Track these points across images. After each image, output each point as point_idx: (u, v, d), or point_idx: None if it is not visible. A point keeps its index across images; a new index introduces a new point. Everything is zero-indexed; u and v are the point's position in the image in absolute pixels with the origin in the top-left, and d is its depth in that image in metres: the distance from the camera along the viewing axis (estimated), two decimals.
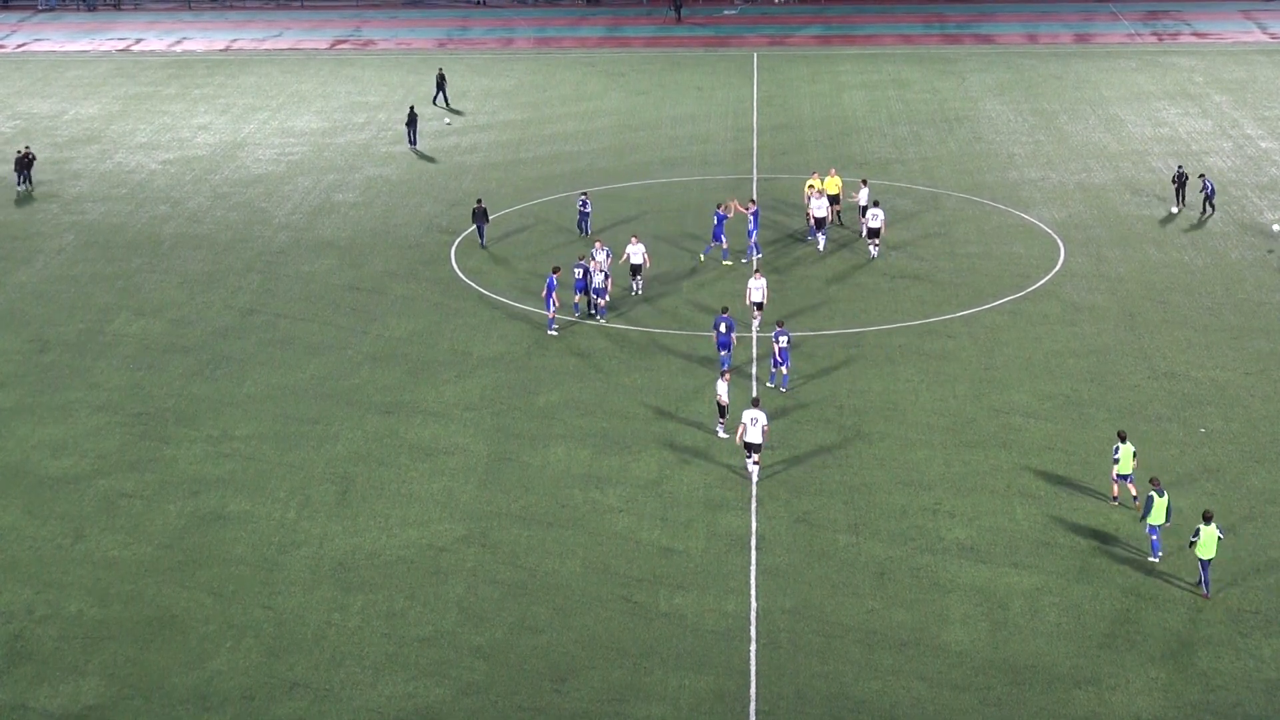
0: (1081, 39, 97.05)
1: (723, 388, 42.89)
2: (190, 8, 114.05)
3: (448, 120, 77.85)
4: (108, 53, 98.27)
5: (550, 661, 33.77)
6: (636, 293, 53.35)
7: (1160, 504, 36.47)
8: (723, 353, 46.96)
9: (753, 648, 34.10)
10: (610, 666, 33.55)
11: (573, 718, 32.06)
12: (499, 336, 50.93)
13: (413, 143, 73.25)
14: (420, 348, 50.28)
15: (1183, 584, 36.21)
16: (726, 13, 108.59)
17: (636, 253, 53.09)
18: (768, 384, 46.73)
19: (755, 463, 41.17)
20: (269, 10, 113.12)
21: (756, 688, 32.80)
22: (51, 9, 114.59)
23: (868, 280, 55.19)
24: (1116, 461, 39.25)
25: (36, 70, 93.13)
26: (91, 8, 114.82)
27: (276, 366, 49.12)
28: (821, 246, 57.66)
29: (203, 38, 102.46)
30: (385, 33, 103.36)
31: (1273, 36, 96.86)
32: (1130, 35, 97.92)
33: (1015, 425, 43.87)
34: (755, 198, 60.73)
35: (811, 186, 58.78)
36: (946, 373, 47.38)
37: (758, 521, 39.16)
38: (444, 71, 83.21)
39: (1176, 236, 59.16)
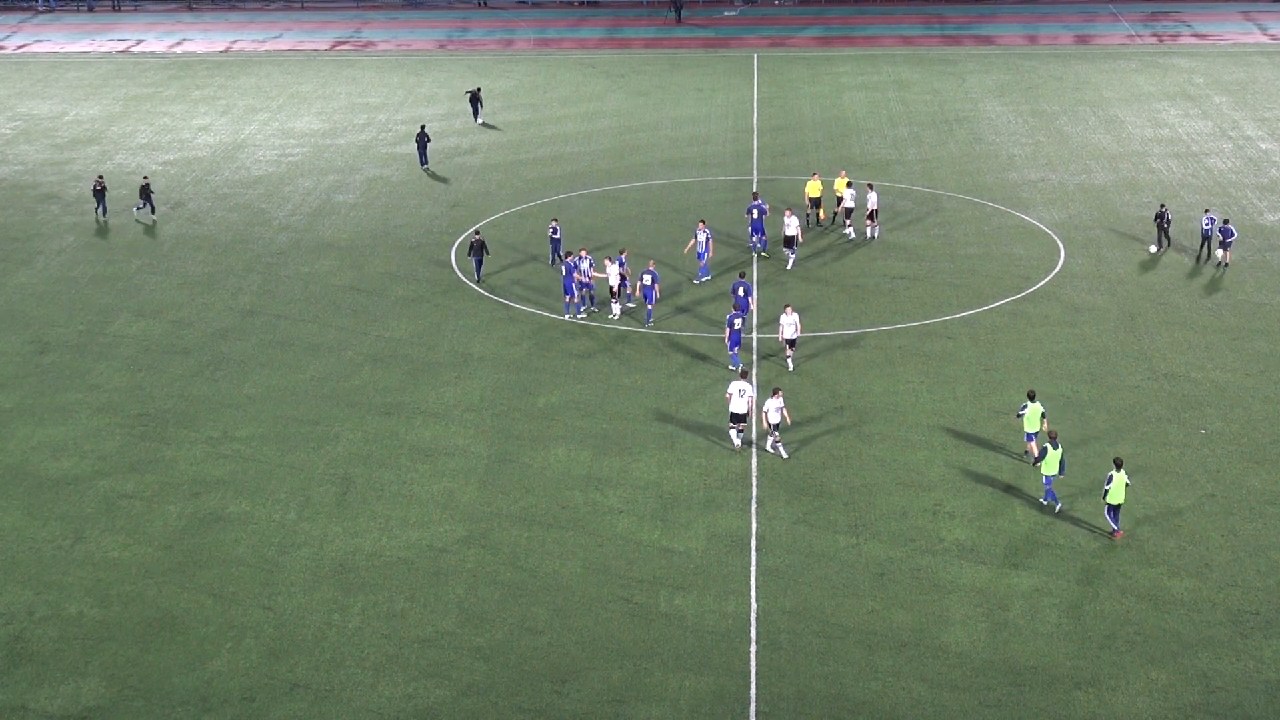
0: (1081, 40, 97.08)
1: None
2: (191, 9, 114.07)
3: (480, 121, 77.76)
4: (108, 54, 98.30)
5: (551, 662, 33.78)
6: (613, 316, 52.18)
7: (1054, 455, 38.81)
8: (740, 314, 49.05)
9: (753, 649, 34.11)
10: (610, 667, 33.57)
11: (573, 718, 32.08)
12: (499, 337, 50.95)
13: (424, 163, 70.55)
14: (420, 349, 50.30)
15: (1092, 528, 38.58)
16: (726, 14, 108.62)
17: (613, 273, 51.78)
18: (729, 366, 47.63)
19: (740, 433, 42.54)
20: (269, 11, 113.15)
21: (757, 689, 32.81)
22: (51, 10, 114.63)
23: (868, 281, 55.20)
24: (1020, 417, 41.76)
25: (37, 71, 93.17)
26: (90, 8, 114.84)
27: (277, 367, 49.14)
28: (790, 264, 56.27)
29: (203, 39, 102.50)
30: (385, 34, 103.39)
31: (1273, 37, 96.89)
32: (1130, 36, 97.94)
33: (1015, 426, 43.85)
34: (704, 218, 58.03)
35: (796, 210, 58.03)
36: (947, 374, 47.38)
37: (758, 522, 39.18)
38: (479, 89, 79.70)
39: (1177, 238, 59.13)
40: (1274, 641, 34.04)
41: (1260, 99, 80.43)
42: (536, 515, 39.75)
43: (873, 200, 58.98)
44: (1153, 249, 57.30)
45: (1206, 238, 55.94)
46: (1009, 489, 40.56)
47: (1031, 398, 41.61)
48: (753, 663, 33.63)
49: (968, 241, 59.42)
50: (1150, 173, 67.85)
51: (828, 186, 62.25)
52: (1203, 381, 46.88)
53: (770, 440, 42.12)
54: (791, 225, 56.21)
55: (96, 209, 64.18)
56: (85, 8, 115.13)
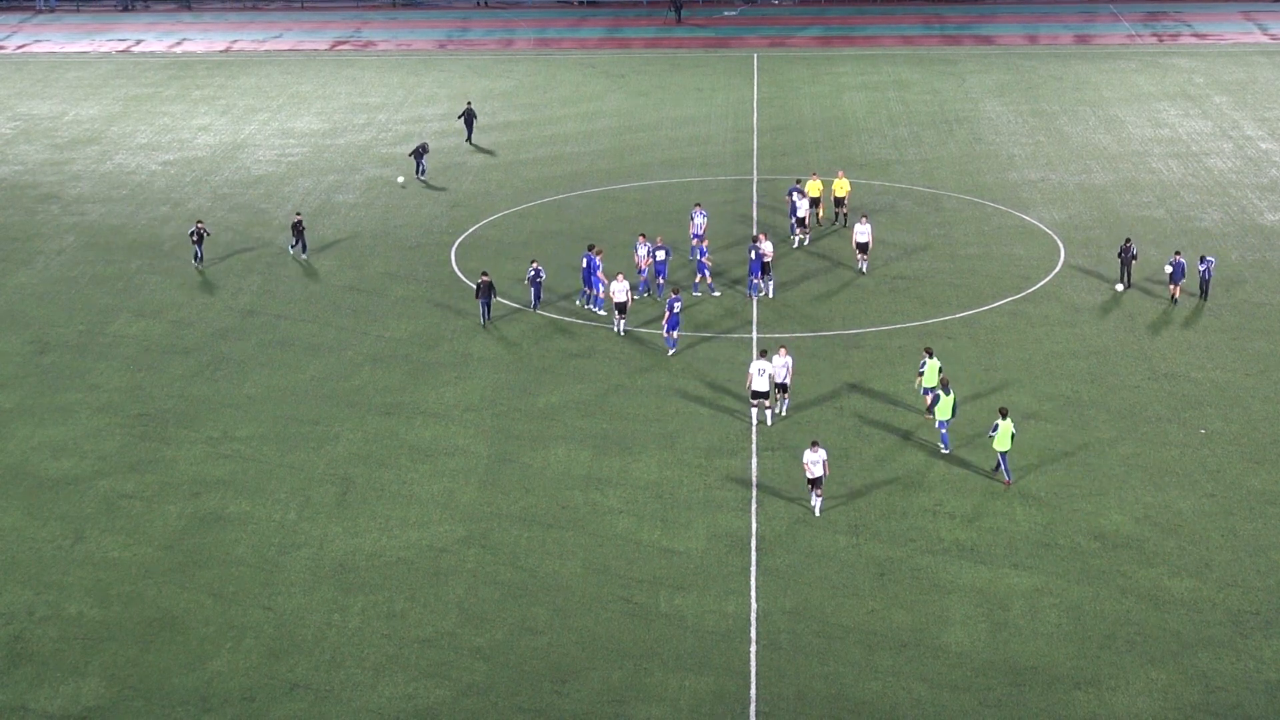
0: (1081, 40, 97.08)
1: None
2: (190, 9, 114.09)
3: (401, 180, 67.47)
4: (108, 54, 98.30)
5: (551, 662, 33.78)
6: (619, 332, 50.79)
7: (946, 401, 41.73)
8: (753, 279, 52.99)
9: (753, 649, 34.11)
10: (610, 667, 33.57)
11: (573, 718, 32.07)
12: (499, 337, 50.94)
13: (421, 174, 68.35)
14: (420, 349, 50.30)
15: (983, 472, 41.26)
16: (726, 14, 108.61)
17: (620, 289, 50.20)
18: (669, 351, 48.94)
19: (768, 408, 43.80)
20: (269, 11, 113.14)
21: (757, 689, 32.81)
22: (52, 10, 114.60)
23: (868, 282, 55.16)
24: (921, 374, 44.04)
25: (37, 71, 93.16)
26: (126, 7, 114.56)
27: (277, 367, 49.15)
28: (769, 290, 53.47)
29: (203, 39, 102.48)
30: (385, 34, 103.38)
31: (1273, 37, 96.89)
32: (1130, 36, 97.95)
33: (1015, 426, 43.84)
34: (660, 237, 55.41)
35: (771, 235, 54.97)
36: (947, 374, 47.31)
37: (758, 522, 39.17)
38: (473, 106, 76.06)
39: (1176, 238, 59.13)
40: (1274, 641, 34.04)
41: (1260, 99, 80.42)
42: (536, 515, 39.76)
43: (865, 233, 55.25)
44: (1119, 287, 53.84)
45: (1205, 281, 52.61)
46: (1010, 490, 40.59)
47: (929, 354, 44.22)
48: (753, 663, 33.63)
49: (968, 241, 59.42)
50: (1150, 173, 67.85)
51: (826, 186, 62.08)
52: (1203, 381, 46.88)
53: (814, 497, 39.35)
54: (768, 249, 53.23)
55: (194, 256, 58.02)
56: (120, 6, 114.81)
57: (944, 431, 42.19)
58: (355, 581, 36.96)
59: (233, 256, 59.38)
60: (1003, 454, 40.49)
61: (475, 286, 52.70)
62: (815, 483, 39.20)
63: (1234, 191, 64.93)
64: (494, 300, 52.03)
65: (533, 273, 52.71)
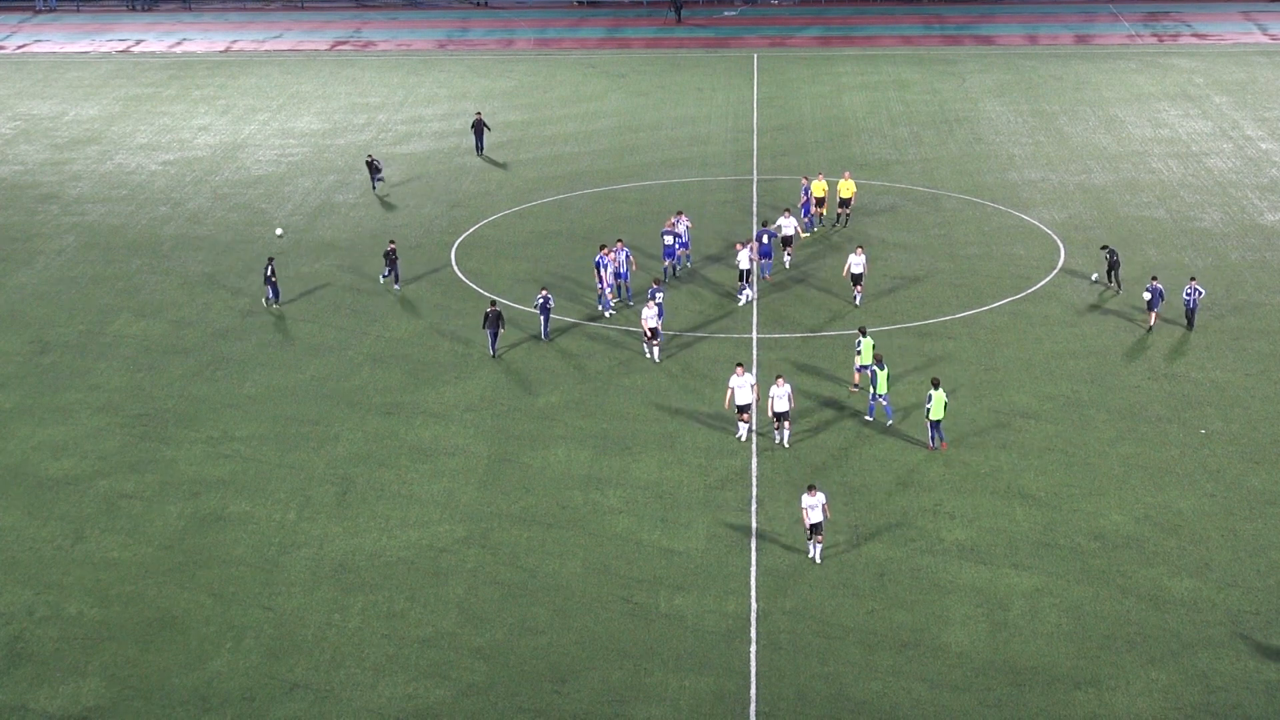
0: (1082, 40, 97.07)
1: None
2: (190, 8, 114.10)
3: (279, 232, 58.81)
4: (108, 54, 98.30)
5: (551, 662, 33.79)
6: (653, 358, 49.02)
7: (882, 376, 43.56)
8: (763, 260, 54.34)
9: (753, 649, 34.12)
10: (610, 667, 33.58)
11: (573, 718, 32.08)
12: (500, 337, 50.86)
13: (376, 185, 66.63)
14: (421, 349, 50.31)
15: (919, 442, 42.98)
16: (727, 14, 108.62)
17: (650, 315, 48.19)
18: (646, 355, 48.94)
19: (746, 421, 43.44)
20: (269, 11, 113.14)
21: (757, 689, 32.82)
22: (52, 10, 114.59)
23: (868, 282, 55.09)
24: (859, 353, 45.80)
25: (37, 71, 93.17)
26: (146, 7, 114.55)
27: (277, 367, 49.15)
28: (743, 298, 52.85)
29: (203, 39, 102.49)
30: (385, 34, 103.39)
31: (1273, 38, 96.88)
32: (1130, 36, 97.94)
33: (1015, 426, 43.89)
34: (621, 238, 55.48)
35: (748, 243, 53.66)
36: (947, 374, 47.35)
37: (758, 522, 39.18)
38: (482, 116, 73.56)
39: (1177, 237, 59.15)
40: (1274, 641, 34.04)
41: (1260, 99, 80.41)
42: (536, 515, 39.76)
43: (859, 264, 52.51)
44: (1094, 276, 53.64)
45: (1190, 309, 50.16)
46: (1010, 490, 40.59)
47: (863, 333, 46.14)
48: (753, 663, 33.64)
49: (968, 241, 59.41)
50: (1150, 173, 67.83)
51: (833, 186, 61.95)
52: (1203, 381, 46.88)
53: (812, 545, 37.36)
54: (744, 259, 52.72)
55: (266, 293, 54.23)
56: (140, 6, 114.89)
57: (887, 405, 43.88)
58: (355, 581, 36.97)
59: (233, 256, 59.36)
60: (936, 422, 42.26)
61: (483, 316, 49.59)
62: (815, 528, 37.04)
63: (1234, 191, 64.92)
64: (501, 333, 49.47)
65: (541, 300, 50.08)
